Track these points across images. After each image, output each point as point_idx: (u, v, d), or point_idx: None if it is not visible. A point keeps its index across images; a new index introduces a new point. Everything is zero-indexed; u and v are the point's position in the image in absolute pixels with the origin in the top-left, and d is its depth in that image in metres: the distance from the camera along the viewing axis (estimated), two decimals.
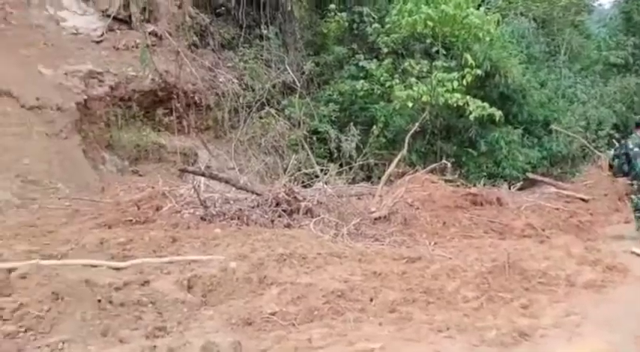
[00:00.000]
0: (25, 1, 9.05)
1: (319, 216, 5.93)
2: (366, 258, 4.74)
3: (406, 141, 8.81)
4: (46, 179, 6.91)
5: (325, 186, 6.75)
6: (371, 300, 3.76)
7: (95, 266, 3.99)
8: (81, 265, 3.95)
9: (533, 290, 4.11)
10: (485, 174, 11.33)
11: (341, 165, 9.07)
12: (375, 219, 6.23)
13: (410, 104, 11.00)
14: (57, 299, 3.23)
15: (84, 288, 3.37)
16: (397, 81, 11.48)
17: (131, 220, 5.57)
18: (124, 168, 8.76)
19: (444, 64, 11.56)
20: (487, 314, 3.61)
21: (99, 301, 3.31)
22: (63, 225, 5.52)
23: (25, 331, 3.02)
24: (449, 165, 8.82)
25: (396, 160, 8.28)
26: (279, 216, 5.90)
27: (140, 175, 8.61)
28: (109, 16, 9.61)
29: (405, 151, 8.64)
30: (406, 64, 11.66)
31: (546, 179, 10.38)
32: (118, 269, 4.00)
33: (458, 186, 8.25)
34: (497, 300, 3.85)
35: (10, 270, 3.63)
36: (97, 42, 9.43)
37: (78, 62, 8.86)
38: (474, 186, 8.56)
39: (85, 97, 8.51)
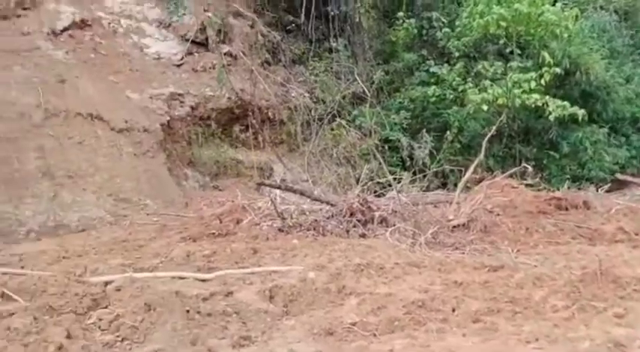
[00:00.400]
0: (112, 32, 9.71)
1: (394, 225, 5.87)
2: (446, 267, 4.63)
3: (483, 145, 8.53)
4: (136, 196, 7.35)
5: (399, 194, 6.69)
6: (453, 310, 3.65)
7: (183, 278, 4.20)
8: (170, 277, 4.18)
9: (628, 298, 3.82)
10: (568, 176, 10.76)
11: (414, 173, 8.95)
12: (454, 226, 6.08)
13: (485, 107, 10.69)
14: (149, 310, 3.43)
15: (174, 299, 3.55)
16: (470, 84, 11.21)
17: (214, 233, 5.81)
18: (205, 183, 9.16)
19: (520, 65, 11.14)
20: (579, 324, 3.40)
21: (187, 311, 3.47)
22: (152, 240, 5.86)
23: (122, 340, 3.22)
24: (529, 168, 8.46)
25: (473, 166, 8.06)
26: (354, 226, 5.91)
27: (220, 190, 8.95)
28: (187, 40, 10.08)
29: (482, 156, 8.38)
30: (479, 66, 11.36)
31: (637, 180, 9.71)
32: (204, 280, 4.18)
33: (540, 190, 7.91)
34: (589, 309, 3.62)
35: (106, 283, 3.92)
36: (178, 65, 9.94)
37: (161, 85, 9.38)
38: (558, 189, 8.18)
39: (169, 118, 8.98)
